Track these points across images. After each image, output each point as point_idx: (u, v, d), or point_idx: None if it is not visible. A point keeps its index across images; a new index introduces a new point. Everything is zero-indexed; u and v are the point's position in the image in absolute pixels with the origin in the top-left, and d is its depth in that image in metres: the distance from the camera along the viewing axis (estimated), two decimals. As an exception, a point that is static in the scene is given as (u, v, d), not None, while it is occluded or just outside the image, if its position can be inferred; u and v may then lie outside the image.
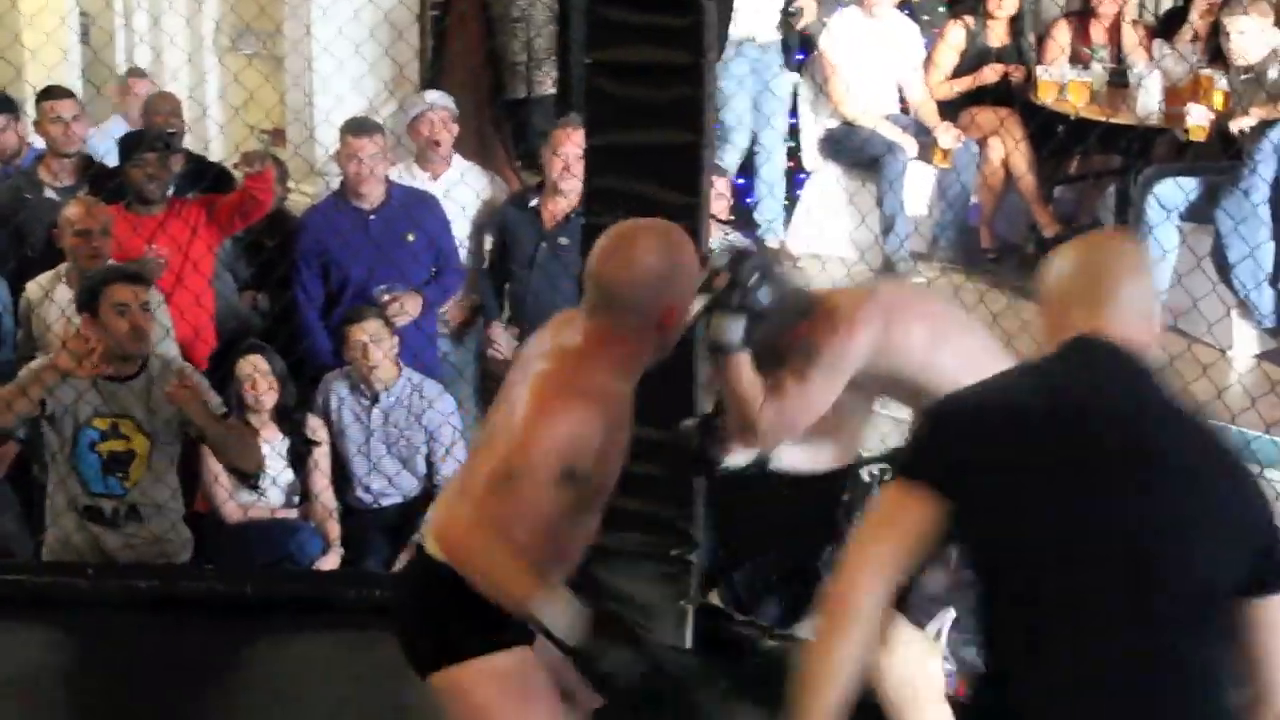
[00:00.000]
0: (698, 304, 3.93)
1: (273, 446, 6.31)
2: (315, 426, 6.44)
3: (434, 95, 7.59)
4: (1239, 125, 7.23)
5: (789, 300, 4.19)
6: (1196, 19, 7.99)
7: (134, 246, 6.49)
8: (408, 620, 3.75)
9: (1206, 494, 2.91)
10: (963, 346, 4.23)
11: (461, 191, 7.33)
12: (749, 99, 8.04)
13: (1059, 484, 2.89)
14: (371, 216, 6.94)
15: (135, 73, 8.46)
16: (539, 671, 3.65)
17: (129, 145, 6.92)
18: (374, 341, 6.42)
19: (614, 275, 3.55)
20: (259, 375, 6.29)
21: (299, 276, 6.92)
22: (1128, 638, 2.87)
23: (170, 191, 6.86)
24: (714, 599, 5.87)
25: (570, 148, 6.72)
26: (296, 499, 6.43)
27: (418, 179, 7.37)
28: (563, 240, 6.78)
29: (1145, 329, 3.03)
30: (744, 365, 4.17)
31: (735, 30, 7.68)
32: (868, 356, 4.18)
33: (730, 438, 4.29)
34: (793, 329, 4.18)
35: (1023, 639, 2.91)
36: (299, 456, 6.39)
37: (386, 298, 6.73)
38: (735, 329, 4.11)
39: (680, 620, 5.16)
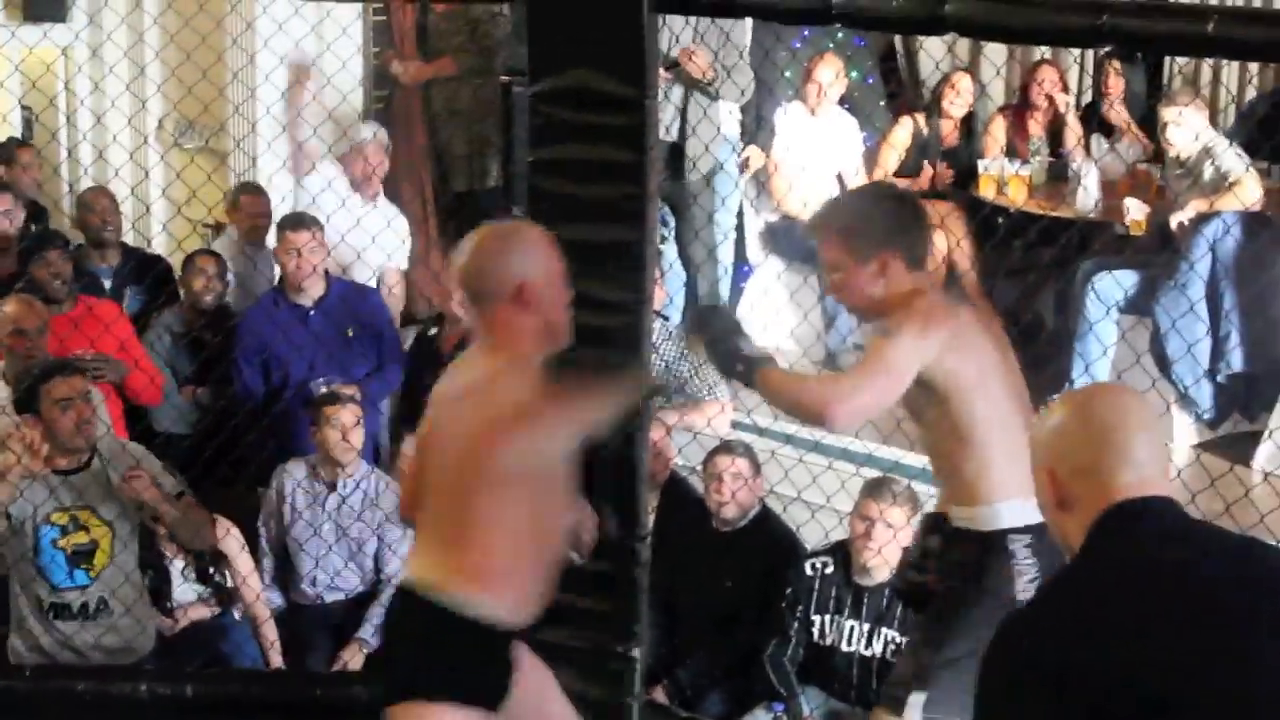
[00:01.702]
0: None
1: (181, 560, 6.27)
2: (234, 536, 6.36)
3: (366, 128, 7.66)
4: (1176, 219, 7.26)
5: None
6: (1114, 112, 8.11)
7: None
8: (389, 648, 4.00)
9: None
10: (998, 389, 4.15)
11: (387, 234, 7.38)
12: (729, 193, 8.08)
13: (1194, 666, 2.62)
14: (311, 312, 6.93)
15: (20, 144, 8.37)
16: None
17: (28, 248, 6.90)
18: (353, 428, 6.39)
19: (465, 271, 3.86)
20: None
21: (239, 374, 6.90)
22: None
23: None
24: (658, 695, 5.86)
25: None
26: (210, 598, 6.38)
27: (355, 201, 7.50)
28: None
29: (1167, 481, 2.84)
30: (775, 369, 4.25)
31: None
32: (936, 354, 4.04)
33: None
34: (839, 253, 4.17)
35: None
36: (206, 570, 6.33)
37: (323, 392, 6.68)
38: (747, 345, 4.27)
39: (626, 717, 5.11)
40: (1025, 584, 4.08)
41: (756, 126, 8.21)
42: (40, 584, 5.55)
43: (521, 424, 3.70)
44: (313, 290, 6.95)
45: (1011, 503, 4.09)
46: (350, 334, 6.96)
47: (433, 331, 7.05)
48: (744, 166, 8.13)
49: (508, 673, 3.90)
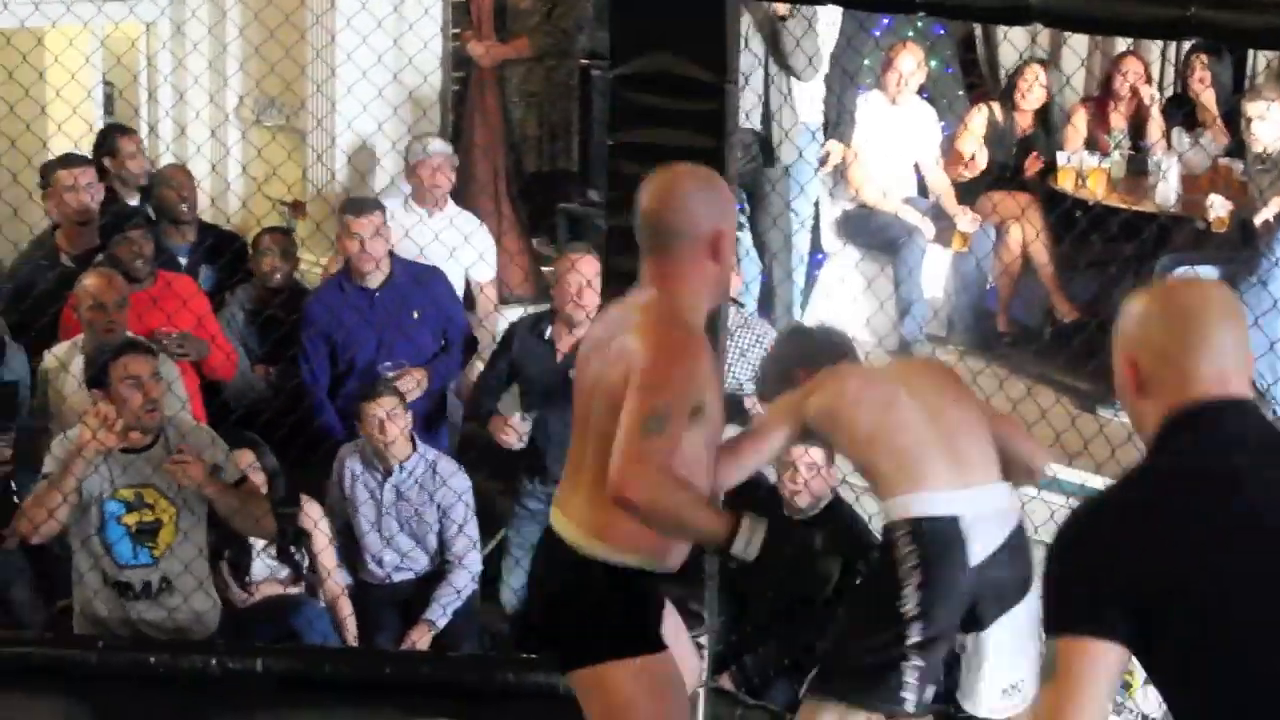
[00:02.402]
0: None
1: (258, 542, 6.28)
2: (313, 515, 6.39)
3: (434, 142, 7.62)
4: (1261, 217, 7.18)
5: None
6: (1200, 106, 8.02)
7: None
8: (556, 613, 3.88)
9: None
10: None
11: (451, 234, 7.36)
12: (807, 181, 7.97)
13: (1248, 569, 2.70)
14: (376, 294, 6.92)
15: (122, 131, 8.20)
16: (678, 675, 3.86)
17: (110, 225, 6.89)
18: (389, 418, 6.37)
19: (658, 206, 3.73)
20: (249, 470, 6.12)
21: (306, 358, 6.89)
22: None
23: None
24: (725, 682, 5.84)
25: (574, 276, 6.63)
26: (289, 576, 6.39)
27: (414, 213, 7.44)
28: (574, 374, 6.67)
29: (1249, 377, 2.88)
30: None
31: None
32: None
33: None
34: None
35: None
36: (286, 549, 6.33)
37: (392, 374, 6.69)
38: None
39: (692, 704, 5.09)
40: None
41: (838, 116, 8.14)
42: (106, 560, 5.56)
43: (702, 359, 3.69)
44: (377, 275, 6.94)
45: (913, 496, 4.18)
46: (416, 315, 6.93)
47: (547, 331, 6.86)
48: (824, 161, 8.07)
49: (661, 612, 3.95)
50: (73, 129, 7.37)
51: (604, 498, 3.60)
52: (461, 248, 7.42)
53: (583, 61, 8.14)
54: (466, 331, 7.15)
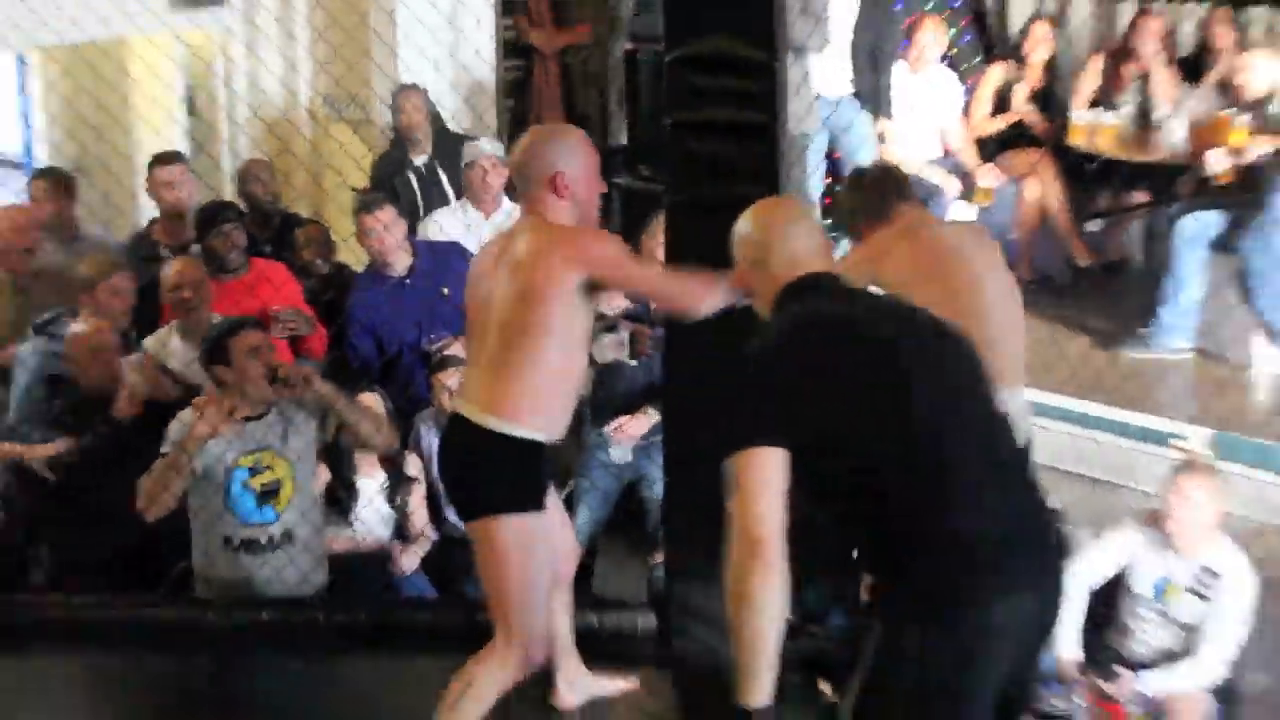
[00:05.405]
0: None
1: (376, 482, 6.16)
2: (413, 463, 6.28)
3: (486, 144, 7.48)
4: (1253, 153, 7.13)
5: None
6: (1217, 63, 7.84)
7: (223, 310, 6.32)
8: (457, 474, 4.24)
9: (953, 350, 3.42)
10: None
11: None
12: (821, 152, 7.88)
13: (872, 391, 3.26)
14: (407, 281, 6.79)
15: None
16: (549, 534, 4.24)
17: (205, 219, 6.81)
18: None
19: (511, 161, 4.30)
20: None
21: (354, 351, 6.79)
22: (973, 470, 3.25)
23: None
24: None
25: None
26: (393, 531, 6.26)
27: (470, 216, 7.29)
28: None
29: (830, 258, 3.61)
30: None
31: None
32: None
33: None
34: None
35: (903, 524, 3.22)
36: (395, 492, 6.23)
37: (436, 346, 6.55)
38: None
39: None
40: None
41: (874, 94, 7.96)
42: (228, 523, 5.45)
43: (545, 261, 4.05)
44: (400, 263, 6.79)
45: None
46: (446, 291, 6.78)
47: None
48: (882, 137, 7.89)
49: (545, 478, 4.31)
50: (165, 130, 7.29)
51: (497, 382, 4.09)
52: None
53: (627, 46, 8.04)
54: None
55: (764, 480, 3.23)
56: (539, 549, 4.19)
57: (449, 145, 7.81)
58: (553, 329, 4.06)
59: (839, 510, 3.35)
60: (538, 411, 4.13)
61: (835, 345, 3.34)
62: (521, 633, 4.19)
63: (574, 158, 4.18)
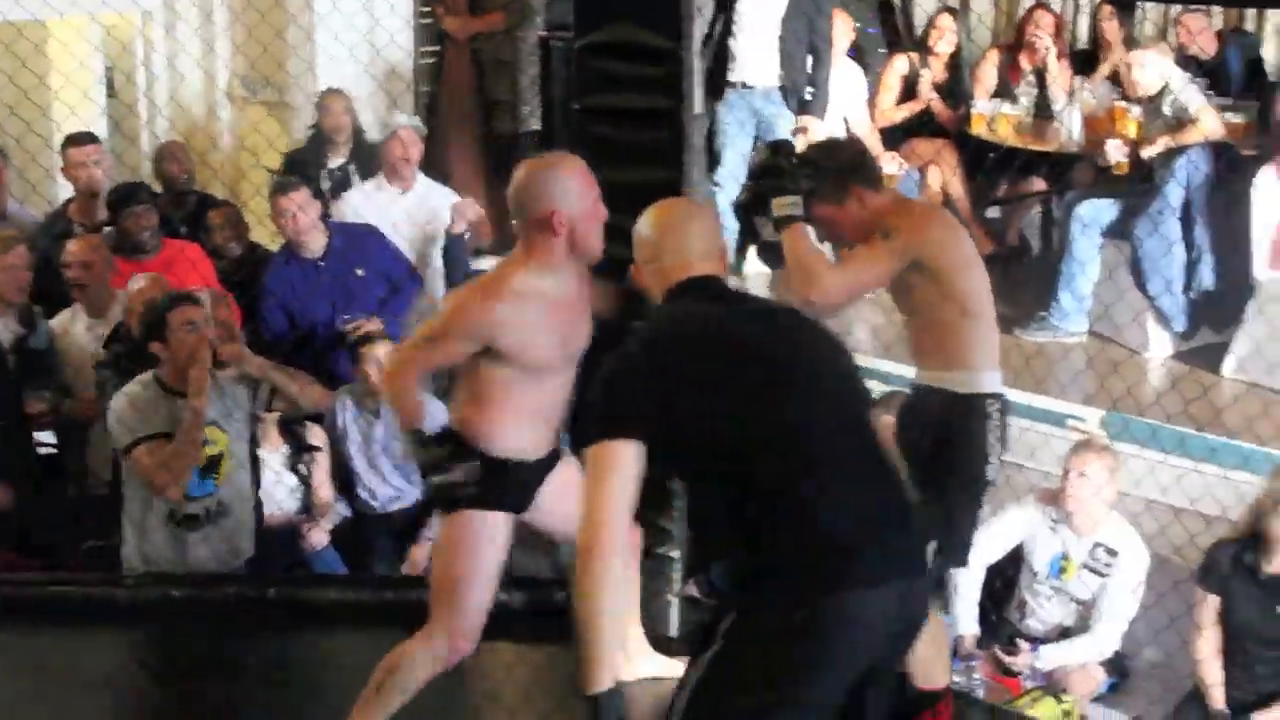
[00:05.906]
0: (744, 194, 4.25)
1: (280, 454, 6.14)
2: (316, 434, 6.25)
3: (402, 118, 7.45)
4: (1146, 153, 7.22)
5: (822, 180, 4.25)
6: (1109, 57, 7.96)
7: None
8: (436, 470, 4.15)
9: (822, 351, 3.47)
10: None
11: (421, 210, 7.24)
12: (749, 141, 7.85)
13: (737, 389, 3.30)
14: (321, 263, 6.76)
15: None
16: (502, 534, 4.13)
17: (118, 199, 6.77)
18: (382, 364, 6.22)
19: (510, 193, 4.04)
20: None
21: (266, 325, 6.75)
22: (834, 455, 3.31)
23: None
24: (691, 590, 5.73)
25: None
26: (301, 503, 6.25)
27: (386, 192, 7.28)
28: None
29: (722, 261, 3.63)
30: (808, 234, 4.24)
31: (735, 75, 7.74)
32: (924, 254, 4.15)
33: None
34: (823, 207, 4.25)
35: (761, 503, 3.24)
36: (298, 459, 6.21)
37: (349, 325, 6.49)
38: (796, 203, 4.18)
39: (665, 609, 5.13)
40: (993, 440, 4.19)
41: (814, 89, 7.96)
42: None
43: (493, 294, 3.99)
44: (315, 244, 6.77)
45: (993, 373, 4.20)
46: (360, 273, 6.76)
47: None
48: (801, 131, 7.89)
49: (529, 488, 4.20)
50: (82, 110, 7.24)
51: (470, 404, 4.06)
52: (435, 222, 7.22)
53: (541, 33, 8.04)
54: (409, 271, 6.98)
55: (612, 470, 3.25)
56: (489, 549, 4.12)
57: (365, 154, 7.79)
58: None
59: (708, 498, 3.39)
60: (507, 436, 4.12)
61: (701, 344, 3.39)
62: (454, 622, 4.12)
63: (570, 195, 3.98)
